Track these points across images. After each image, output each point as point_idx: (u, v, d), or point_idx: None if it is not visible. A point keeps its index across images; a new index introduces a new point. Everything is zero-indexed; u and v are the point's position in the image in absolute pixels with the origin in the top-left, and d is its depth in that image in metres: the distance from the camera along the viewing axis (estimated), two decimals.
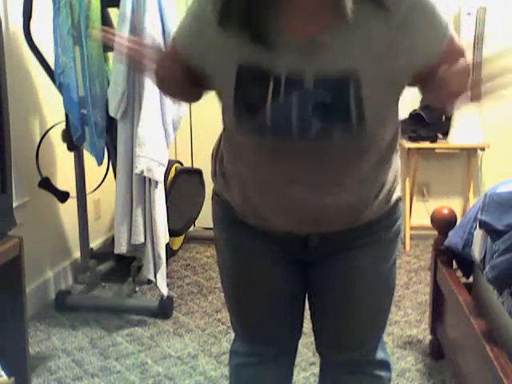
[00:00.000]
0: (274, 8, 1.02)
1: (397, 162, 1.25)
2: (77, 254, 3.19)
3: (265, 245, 1.28)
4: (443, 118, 3.81)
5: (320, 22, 1.02)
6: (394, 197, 1.27)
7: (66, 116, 2.75)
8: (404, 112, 3.82)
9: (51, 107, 2.91)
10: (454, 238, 2.28)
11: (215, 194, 1.34)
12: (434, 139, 3.75)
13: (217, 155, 1.28)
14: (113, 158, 2.89)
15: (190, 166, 3.99)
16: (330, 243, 1.25)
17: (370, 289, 1.32)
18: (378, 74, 1.03)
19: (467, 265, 2.27)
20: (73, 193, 2.92)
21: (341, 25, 1.00)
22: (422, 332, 2.68)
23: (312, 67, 1.02)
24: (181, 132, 3.25)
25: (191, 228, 3.80)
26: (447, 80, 1.05)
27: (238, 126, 1.10)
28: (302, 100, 1.02)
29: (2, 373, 1.74)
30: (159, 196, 2.67)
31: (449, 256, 2.33)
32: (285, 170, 1.12)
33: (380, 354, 1.46)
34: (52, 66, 2.68)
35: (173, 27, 2.72)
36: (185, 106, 2.83)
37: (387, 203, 1.25)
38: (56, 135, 2.86)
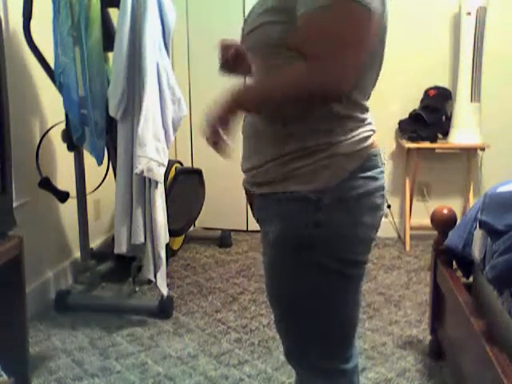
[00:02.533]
0: None
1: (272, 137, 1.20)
2: (77, 254, 3.19)
3: None
4: (443, 118, 3.82)
5: None
6: (271, 177, 1.20)
7: (66, 116, 2.75)
8: (404, 112, 3.82)
9: (51, 107, 2.91)
10: (453, 238, 2.28)
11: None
12: (433, 139, 3.75)
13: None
14: (113, 158, 2.89)
15: (189, 166, 3.99)
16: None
17: (268, 292, 1.31)
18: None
19: (467, 265, 2.27)
20: (73, 193, 2.92)
21: None
22: (422, 332, 2.68)
23: None
24: (181, 132, 3.26)
25: (191, 228, 3.80)
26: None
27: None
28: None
29: (2, 373, 1.74)
30: (159, 196, 2.67)
31: (449, 256, 2.33)
32: None
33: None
34: (52, 65, 2.68)
35: (173, 27, 2.73)
36: (185, 105, 2.83)
37: (265, 175, 1.21)
38: (56, 135, 2.86)
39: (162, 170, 2.66)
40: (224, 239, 3.89)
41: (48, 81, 2.74)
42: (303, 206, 1.15)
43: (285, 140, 1.17)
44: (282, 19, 1.12)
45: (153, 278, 2.71)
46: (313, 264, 1.18)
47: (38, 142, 2.79)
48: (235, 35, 1.39)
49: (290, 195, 1.16)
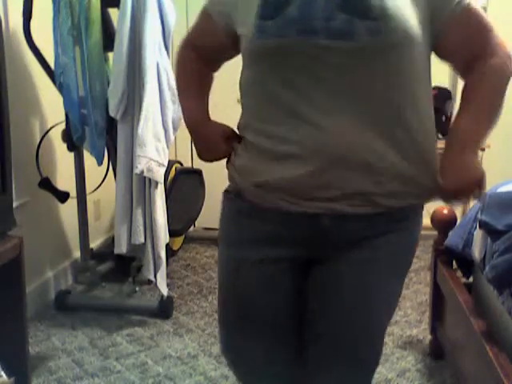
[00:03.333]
0: None
1: (433, 142, 1.23)
2: (77, 254, 3.19)
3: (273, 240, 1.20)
4: (443, 117, 3.82)
5: None
6: (422, 190, 1.18)
7: (66, 116, 2.75)
8: None
9: (51, 107, 2.91)
10: (453, 238, 2.28)
11: (226, 191, 1.30)
12: None
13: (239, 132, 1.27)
14: (113, 158, 2.89)
15: (189, 166, 3.99)
16: (344, 230, 1.15)
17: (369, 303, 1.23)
18: None
19: (467, 265, 2.27)
20: (73, 193, 2.92)
21: None
22: (422, 332, 2.68)
23: None
24: (181, 132, 3.25)
25: (191, 228, 3.80)
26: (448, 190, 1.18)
27: (260, 34, 1.09)
28: None
29: (2, 373, 1.74)
30: (159, 196, 2.67)
31: (449, 256, 2.33)
32: (312, 93, 1.08)
33: None
34: (52, 66, 2.68)
35: (173, 27, 2.73)
36: None
37: (414, 190, 1.16)
38: (56, 135, 2.86)
39: (162, 170, 2.66)
40: None
41: (48, 81, 2.74)
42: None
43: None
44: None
45: (153, 278, 2.71)
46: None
47: (38, 142, 2.79)
48: None
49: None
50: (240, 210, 1.24)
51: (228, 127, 1.31)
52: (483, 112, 1.20)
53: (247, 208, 1.22)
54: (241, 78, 1.21)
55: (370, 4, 1.04)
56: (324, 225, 1.15)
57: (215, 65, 1.37)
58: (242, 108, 1.24)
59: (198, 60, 1.34)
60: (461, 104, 1.20)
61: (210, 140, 1.30)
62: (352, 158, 1.08)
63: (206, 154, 1.33)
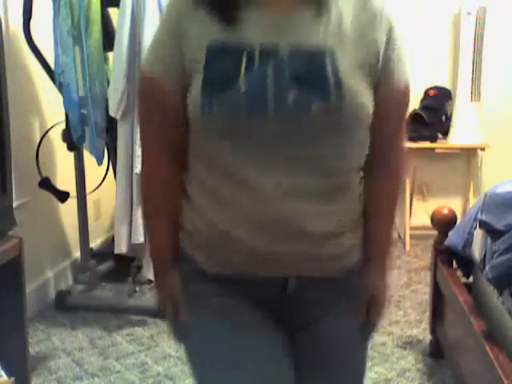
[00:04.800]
0: None
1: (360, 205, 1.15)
2: (77, 254, 3.19)
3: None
4: (443, 118, 3.82)
5: (295, 2, 1.03)
6: (357, 253, 1.15)
7: (66, 116, 2.75)
8: None
9: (51, 107, 2.91)
10: (453, 238, 2.28)
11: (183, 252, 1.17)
12: (433, 139, 3.75)
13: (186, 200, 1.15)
14: (113, 158, 2.89)
15: None
16: (309, 294, 1.11)
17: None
18: (352, 56, 1.03)
19: (467, 265, 2.27)
20: (73, 193, 2.92)
21: (316, 8, 1.02)
22: (422, 332, 2.68)
23: (286, 40, 1.00)
24: None
25: None
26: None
27: (206, 108, 0.99)
28: (278, 68, 0.98)
29: (2, 373, 1.74)
30: None
31: (449, 256, 2.33)
32: (260, 160, 1.02)
33: None
34: (52, 66, 2.68)
35: None
36: None
37: (358, 248, 1.15)
38: (56, 135, 2.86)
39: None
40: None
41: (48, 81, 2.74)
42: None
43: None
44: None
45: (153, 278, 2.70)
46: None
47: (38, 142, 2.79)
48: None
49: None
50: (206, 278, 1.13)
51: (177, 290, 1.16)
52: (392, 219, 1.23)
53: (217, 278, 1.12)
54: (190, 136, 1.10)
55: (323, 78, 0.98)
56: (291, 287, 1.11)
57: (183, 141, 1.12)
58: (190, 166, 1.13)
59: (170, 159, 1.12)
60: (371, 214, 1.17)
61: (173, 295, 1.17)
62: (299, 225, 1.05)
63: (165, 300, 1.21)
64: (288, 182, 1.02)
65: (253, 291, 1.09)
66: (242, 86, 0.97)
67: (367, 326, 1.20)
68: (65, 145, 2.82)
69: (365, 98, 1.03)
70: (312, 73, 0.99)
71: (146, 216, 1.23)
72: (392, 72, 1.08)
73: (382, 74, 1.06)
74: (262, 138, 1.00)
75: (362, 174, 1.14)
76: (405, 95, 1.13)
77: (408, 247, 3.81)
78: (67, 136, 2.79)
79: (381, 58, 1.05)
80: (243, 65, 0.98)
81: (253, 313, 1.11)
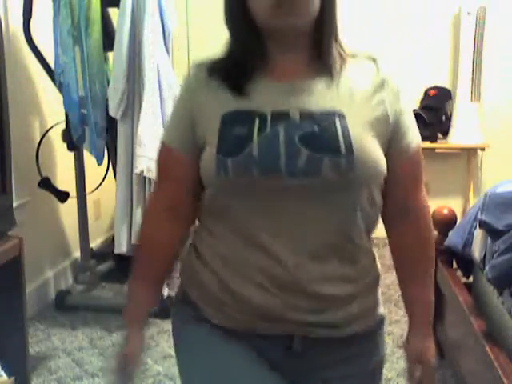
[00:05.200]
0: (259, 60, 1.06)
1: (377, 267, 1.17)
2: (77, 254, 3.19)
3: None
4: (443, 117, 3.82)
5: (304, 72, 1.06)
6: (380, 310, 1.17)
7: (66, 116, 2.75)
8: None
9: (51, 107, 2.91)
10: (454, 238, 2.28)
11: (179, 300, 1.19)
12: (434, 139, 3.75)
13: (189, 255, 1.18)
14: (113, 157, 2.89)
15: None
16: (316, 353, 1.11)
17: None
18: (362, 117, 1.05)
19: (467, 265, 2.27)
20: (73, 193, 2.92)
21: (325, 77, 1.05)
22: None
23: (297, 106, 1.03)
24: None
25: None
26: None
27: (220, 171, 1.02)
28: (289, 130, 1.01)
29: (2, 373, 1.74)
30: None
31: (449, 256, 2.33)
32: (274, 221, 1.04)
33: None
34: (52, 65, 2.68)
35: (173, 27, 2.73)
36: None
37: (373, 311, 1.15)
38: (56, 135, 2.86)
39: None
40: None
41: (48, 81, 2.74)
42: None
43: None
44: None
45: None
46: None
47: (38, 142, 2.79)
48: None
49: (383, 319, 1.21)
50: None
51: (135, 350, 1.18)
52: (429, 281, 1.23)
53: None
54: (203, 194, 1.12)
55: (336, 140, 1.00)
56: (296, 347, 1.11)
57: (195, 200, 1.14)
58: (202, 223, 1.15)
59: (173, 220, 1.15)
60: (402, 273, 1.21)
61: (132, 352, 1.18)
62: (310, 289, 1.06)
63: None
64: (301, 246, 1.04)
65: (256, 343, 1.10)
66: (255, 148, 1.00)
67: None
68: (65, 145, 2.82)
69: (376, 156, 1.04)
70: (322, 134, 1.01)
71: (133, 276, 1.26)
72: (403, 136, 1.09)
73: (393, 137, 1.07)
74: (276, 200, 1.03)
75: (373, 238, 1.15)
76: (418, 156, 1.14)
77: None
78: (67, 136, 2.79)
79: (390, 121, 1.07)
80: (256, 128, 1.02)
81: (252, 359, 1.10)
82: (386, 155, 1.06)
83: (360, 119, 1.04)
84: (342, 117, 1.02)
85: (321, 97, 1.04)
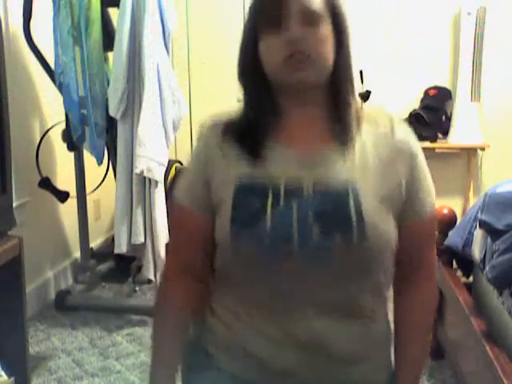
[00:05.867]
0: (273, 125, 1.06)
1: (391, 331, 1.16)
2: (77, 254, 3.19)
3: None
4: (443, 117, 3.81)
5: (319, 140, 1.05)
6: (392, 367, 1.15)
7: (66, 116, 2.75)
8: (404, 112, 3.82)
9: (51, 107, 2.91)
10: (453, 238, 2.28)
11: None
12: (434, 139, 3.75)
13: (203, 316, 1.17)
14: (113, 158, 2.89)
15: None
16: None
17: None
18: (375, 189, 1.04)
19: (467, 265, 2.27)
20: (73, 193, 2.92)
21: (340, 144, 1.04)
22: None
23: (310, 175, 1.03)
24: (181, 132, 3.25)
25: None
26: None
27: (235, 239, 1.03)
28: (302, 206, 1.02)
29: (2, 373, 1.74)
30: (159, 196, 2.67)
31: (449, 256, 2.33)
32: (285, 294, 1.05)
33: None
34: (52, 66, 2.68)
35: (172, 27, 2.73)
36: (185, 105, 2.83)
37: (385, 369, 1.14)
38: (56, 135, 2.87)
39: (162, 169, 2.66)
40: None
41: (48, 81, 2.75)
42: None
43: None
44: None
45: (153, 278, 2.71)
46: None
47: (38, 142, 2.79)
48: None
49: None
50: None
51: None
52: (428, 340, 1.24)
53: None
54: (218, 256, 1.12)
55: (348, 218, 1.00)
56: None
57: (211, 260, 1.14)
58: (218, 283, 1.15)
59: (190, 283, 1.13)
60: (403, 335, 1.17)
61: None
62: (324, 350, 1.07)
63: None
64: (314, 312, 1.05)
65: None
66: (268, 222, 1.01)
67: None
68: (65, 145, 2.82)
69: (388, 233, 1.04)
70: (335, 212, 1.01)
71: (154, 361, 1.20)
72: (417, 205, 1.09)
73: (407, 205, 1.07)
74: (287, 273, 1.03)
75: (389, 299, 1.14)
76: (432, 225, 1.15)
77: None
78: (67, 136, 2.79)
79: (404, 191, 1.06)
80: (269, 202, 1.02)
81: None
82: (400, 221, 1.06)
83: (373, 192, 1.03)
84: (355, 192, 1.01)
85: (335, 168, 1.03)
